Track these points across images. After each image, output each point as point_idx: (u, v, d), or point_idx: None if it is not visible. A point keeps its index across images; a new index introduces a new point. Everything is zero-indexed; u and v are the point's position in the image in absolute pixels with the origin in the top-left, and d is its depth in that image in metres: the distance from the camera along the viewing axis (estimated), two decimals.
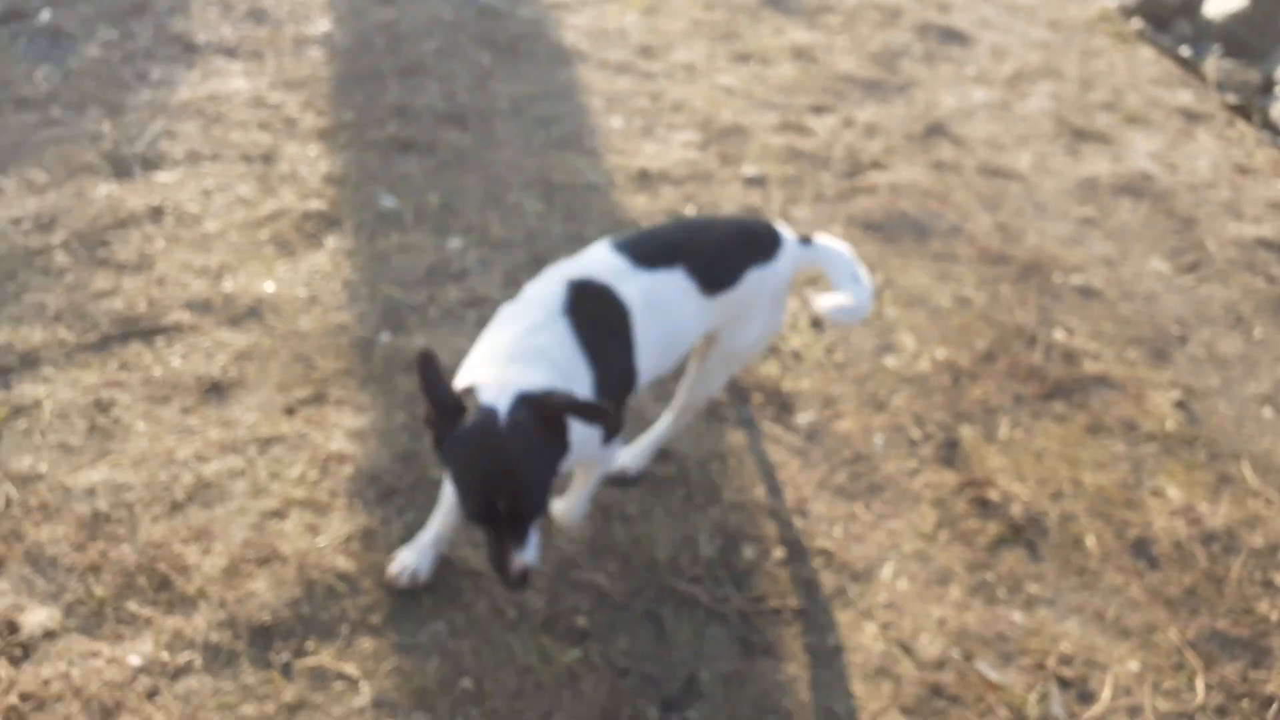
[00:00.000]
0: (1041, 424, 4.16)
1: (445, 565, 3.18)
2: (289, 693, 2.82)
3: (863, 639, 3.20)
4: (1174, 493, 3.88)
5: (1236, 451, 4.15)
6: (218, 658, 2.87)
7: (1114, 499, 3.82)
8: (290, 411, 3.63)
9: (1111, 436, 4.15)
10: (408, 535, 3.25)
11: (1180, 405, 4.37)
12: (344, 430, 3.58)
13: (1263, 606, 3.43)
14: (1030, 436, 4.07)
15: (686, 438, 3.78)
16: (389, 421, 3.65)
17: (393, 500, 3.36)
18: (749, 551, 3.45)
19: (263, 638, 2.93)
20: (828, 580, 3.38)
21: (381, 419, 3.65)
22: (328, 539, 3.19)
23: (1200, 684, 3.17)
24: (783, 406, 4.03)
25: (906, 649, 3.18)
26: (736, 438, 3.86)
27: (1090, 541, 3.63)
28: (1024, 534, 3.62)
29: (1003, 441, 4.02)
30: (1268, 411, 4.39)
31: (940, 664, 3.14)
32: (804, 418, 4.01)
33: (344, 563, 3.14)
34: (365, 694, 2.85)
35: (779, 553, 3.46)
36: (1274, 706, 3.12)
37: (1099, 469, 3.96)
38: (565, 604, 3.16)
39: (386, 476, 3.44)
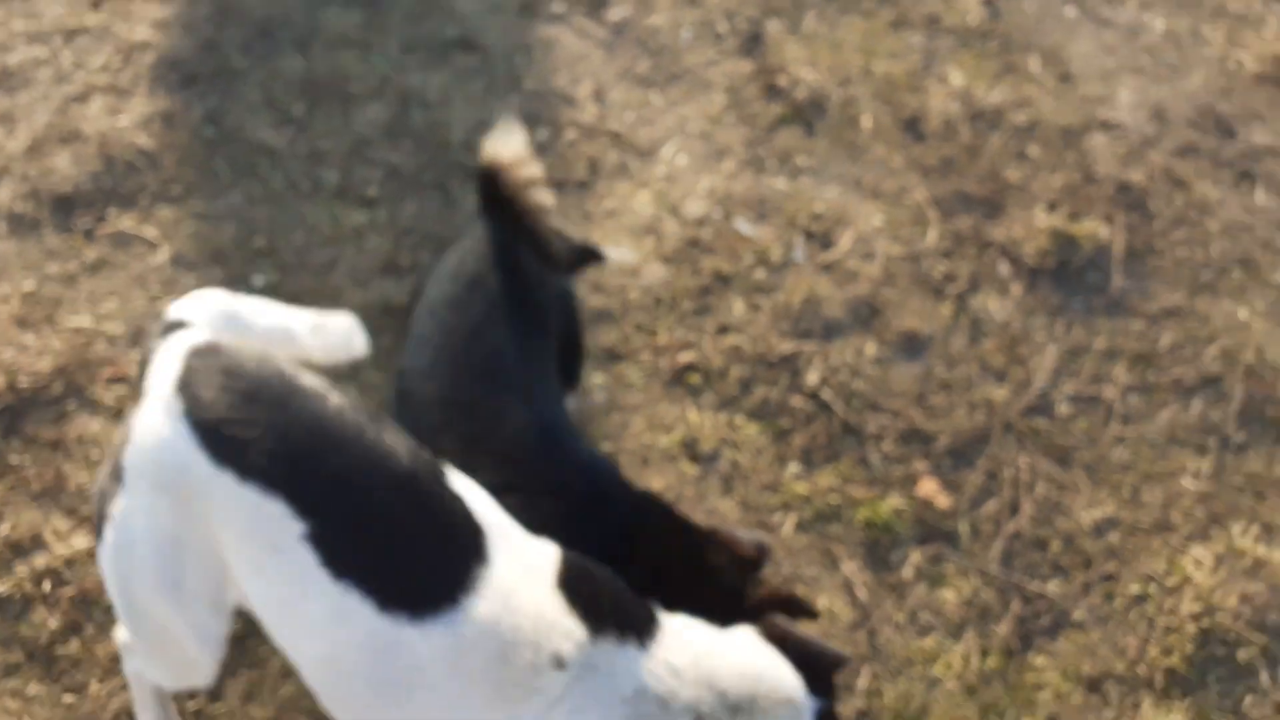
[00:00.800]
0: (847, 18, 4.25)
1: (240, 144, 3.35)
2: (91, 253, 3.06)
3: (635, 204, 3.46)
4: (957, 79, 4.07)
5: (1029, 44, 4.30)
6: (22, 224, 3.08)
7: (899, 84, 4.00)
8: (96, 5, 3.65)
9: (913, 29, 4.27)
10: (208, 118, 3.39)
11: (987, 2, 4.46)
12: (149, 20, 3.63)
13: (1009, 173, 3.72)
14: (833, 30, 4.18)
15: (494, 30, 3.86)
16: (193, 12, 3.68)
17: (195, 86, 3.47)
18: (542, 134, 3.63)
19: (64, 207, 3.14)
20: (612, 158, 3.60)
21: (186, 9, 3.68)
22: (129, 119, 3.33)
23: (933, 233, 3.50)
24: (595, 1, 4.08)
25: (674, 211, 3.46)
26: (545, 30, 3.95)
27: (866, 121, 3.84)
28: (804, 114, 3.83)
29: (806, 34, 4.13)
30: (1070, 10, 4.50)
31: (701, 222, 3.43)
32: (617, 13, 4.07)
33: (145, 141, 3.30)
34: (164, 253, 3.10)
35: (570, 134, 3.64)
36: (991, 249, 3.48)
37: (892, 58, 4.11)
38: (357, 177, 3.37)
39: (189, 63, 3.53)
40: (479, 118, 3.61)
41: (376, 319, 3.08)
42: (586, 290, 3.22)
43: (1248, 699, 2.68)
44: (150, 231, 3.12)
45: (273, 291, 3.09)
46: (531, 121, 3.63)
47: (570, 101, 3.75)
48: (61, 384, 2.87)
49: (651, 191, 3.51)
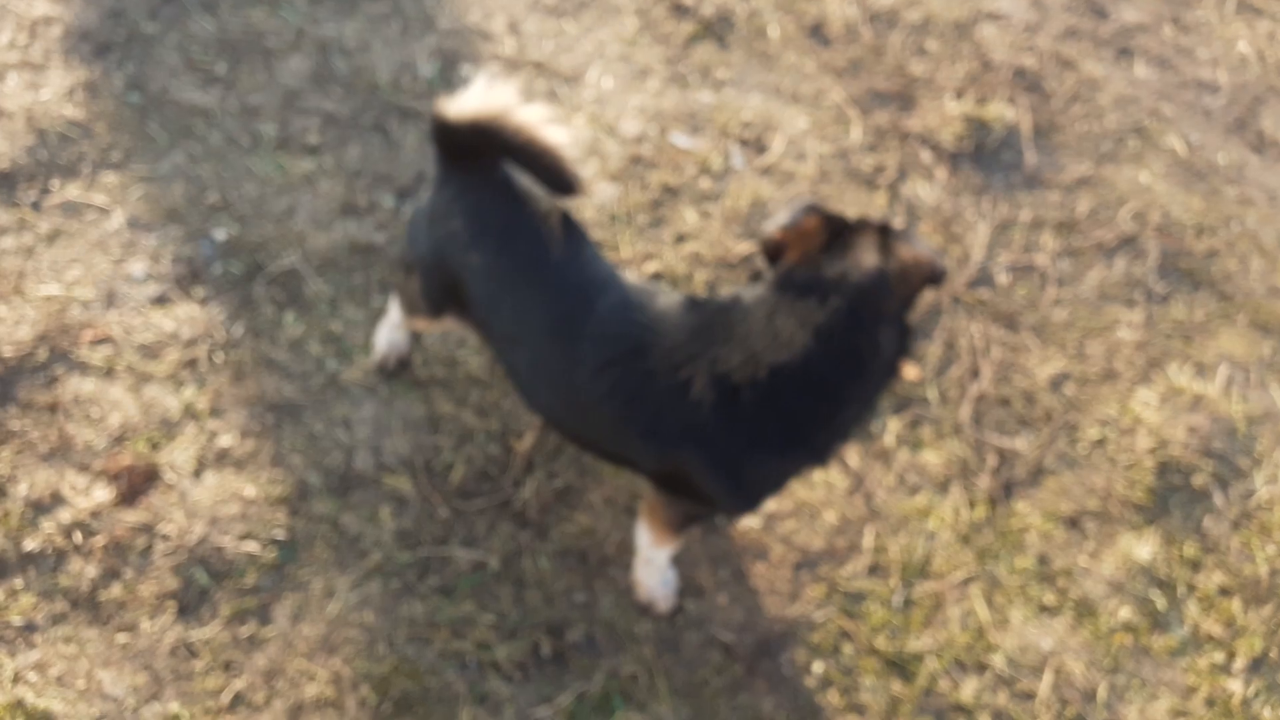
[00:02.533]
0: None
1: (170, 106, 3.11)
2: (44, 225, 2.82)
3: (571, 128, 3.34)
4: None
5: None
6: None
7: None
8: None
9: None
10: (131, 85, 3.14)
11: None
12: None
13: (914, 68, 3.72)
14: None
15: None
16: None
17: (110, 54, 3.21)
18: (466, 69, 3.47)
19: (6, 183, 2.88)
20: (540, 86, 3.47)
21: None
22: (51, 93, 3.06)
23: (856, 130, 3.49)
24: None
25: (610, 131, 3.35)
26: None
27: (773, 31, 3.79)
28: (714, 30, 3.75)
29: None
30: None
31: (640, 139, 3.34)
32: None
33: (72, 111, 3.04)
34: (118, 217, 2.87)
35: (494, 68, 3.49)
36: (911, 139, 3.48)
37: None
38: (295, 127, 3.17)
39: (98, 33, 3.25)
40: (401, 59, 3.44)
41: (345, 259, 2.92)
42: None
43: (1206, 519, 2.79)
44: (99, 198, 2.88)
45: (236, 244, 2.89)
46: (453, 59, 3.47)
47: (487, 37, 3.60)
48: (45, 350, 2.66)
49: (585, 115, 3.41)
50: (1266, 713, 2.52)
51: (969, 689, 2.44)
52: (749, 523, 2.64)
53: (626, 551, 2.54)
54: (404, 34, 3.54)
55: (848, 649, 2.47)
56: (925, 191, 3.37)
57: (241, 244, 2.89)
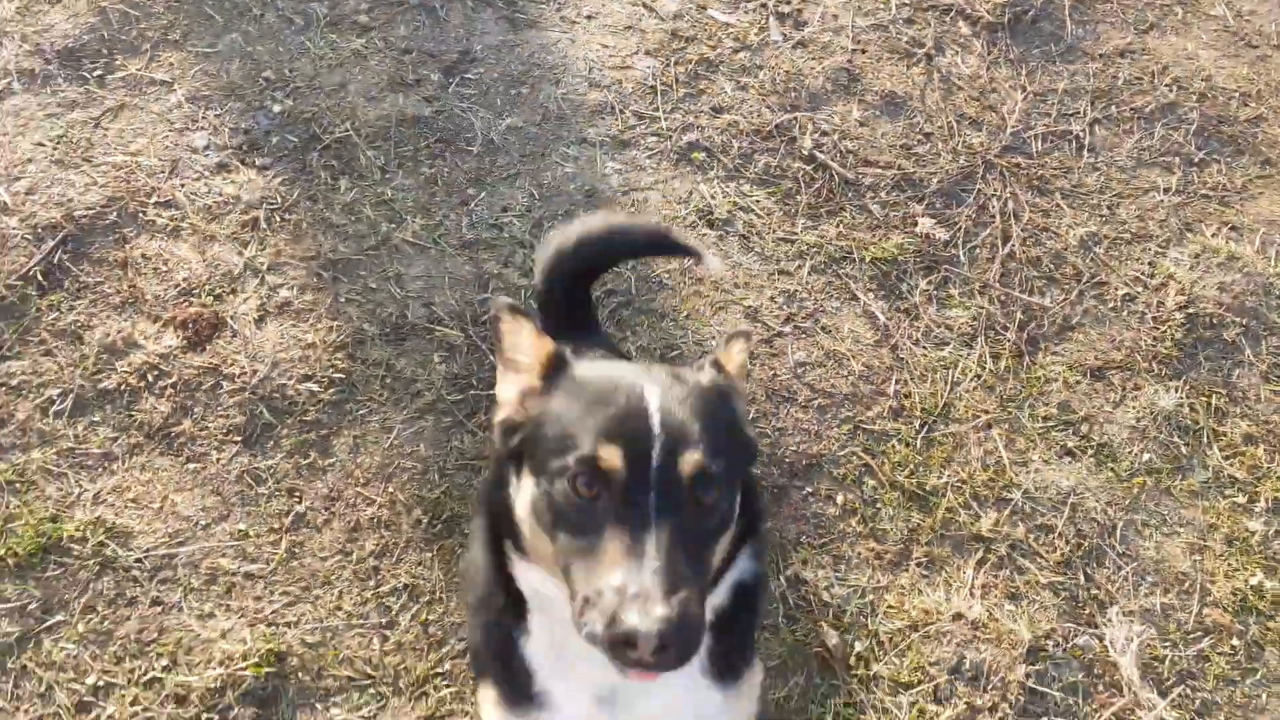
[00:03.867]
0: None
1: None
2: (109, 99, 2.95)
3: (613, 5, 3.37)
4: None
5: None
6: (34, 79, 2.95)
7: None
8: None
9: None
10: None
11: None
12: None
13: None
14: None
15: None
16: None
17: None
18: None
19: (71, 59, 3.01)
20: None
21: None
22: None
23: (894, 2, 3.46)
24: None
25: (649, 8, 3.38)
26: None
27: None
28: None
29: None
30: None
31: (678, 15, 3.36)
32: None
33: None
34: (179, 92, 2.99)
35: None
36: (950, 12, 3.45)
37: None
38: (346, 6, 3.25)
39: None
40: None
41: (395, 131, 3.01)
42: (585, 87, 3.17)
43: (1235, 371, 2.78)
44: (160, 74, 3.01)
45: (291, 116, 3.00)
46: None
47: None
48: (115, 212, 2.80)
49: None
50: None
51: (987, 521, 2.50)
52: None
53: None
54: None
55: (870, 482, 2.54)
56: (962, 62, 3.34)
57: (297, 116, 2.99)
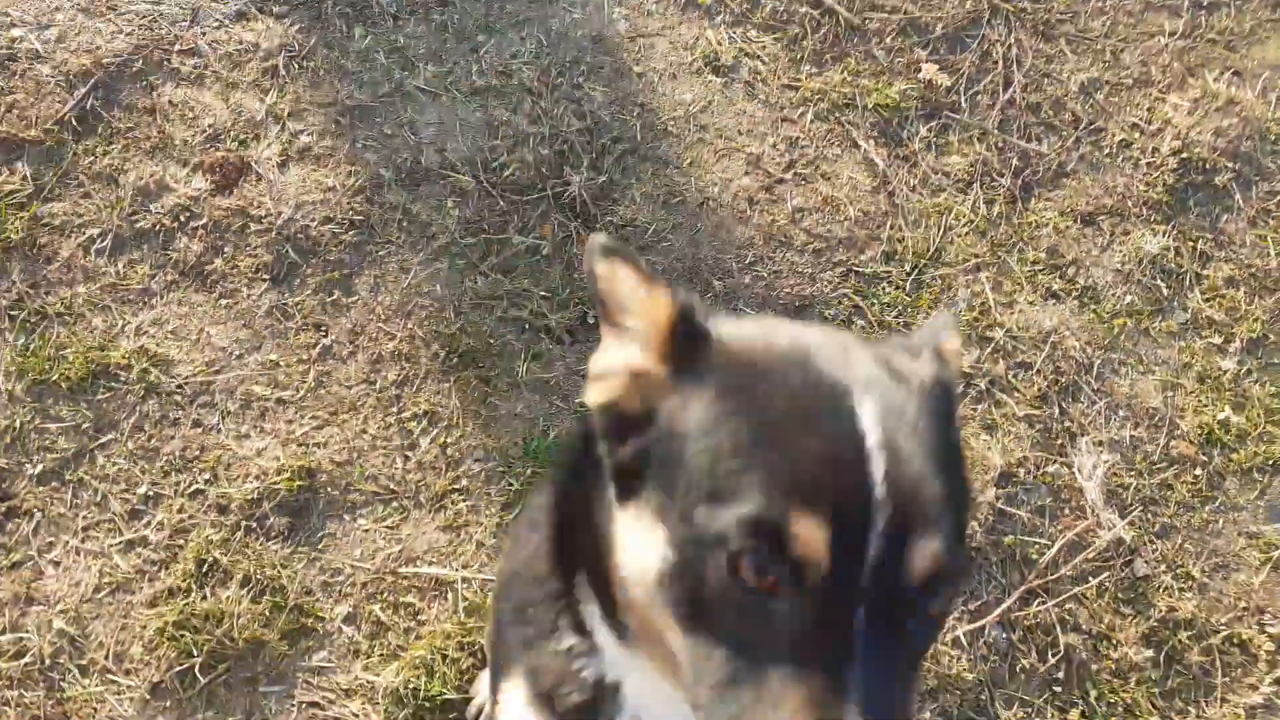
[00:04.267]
0: None
1: None
2: None
3: None
4: None
5: None
6: None
7: None
8: None
9: None
10: None
11: None
12: None
13: None
14: None
15: None
16: None
17: None
18: None
19: None
20: None
21: None
22: None
23: None
24: None
25: None
26: None
27: None
28: None
29: None
30: None
31: None
32: None
33: None
34: None
35: None
36: None
37: None
38: None
39: None
40: None
41: None
42: None
43: (1224, 216, 2.85)
44: None
45: None
46: None
47: None
48: (141, 60, 2.90)
49: None
50: (1256, 390, 2.66)
51: (969, 358, 2.64)
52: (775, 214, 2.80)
53: (661, 237, 2.75)
54: None
55: (859, 322, 2.67)
56: None
57: None
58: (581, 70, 2.95)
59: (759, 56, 3.02)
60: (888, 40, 3.07)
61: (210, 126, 2.83)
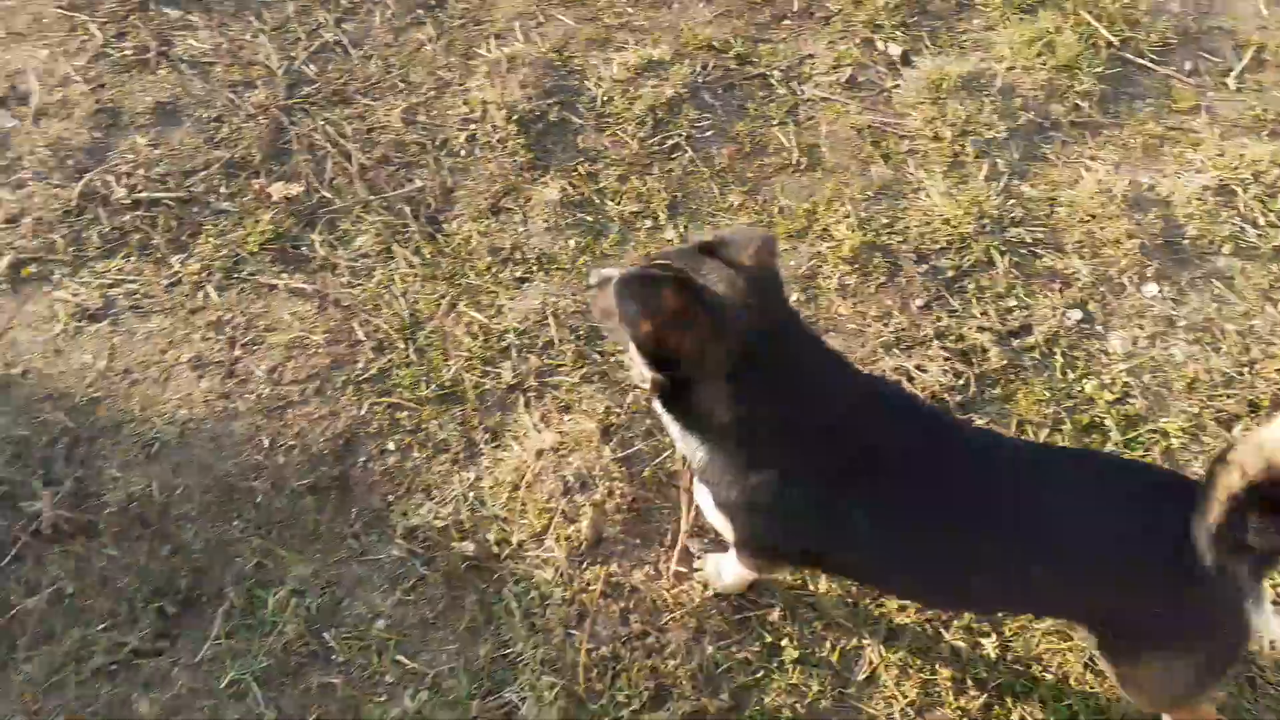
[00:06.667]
0: None
1: None
2: None
3: None
4: None
5: None
6: None
7: None
8: None
9: None
10: None
11: None
12: None
13: None
14: None
15: None
16: None
17: None
18: None
19: None
20: None
21: None
22: None
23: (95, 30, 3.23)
24: None
25: None
26: None
27: None
28: None
29: None
30: None
31: None
32: None
33: None
34: None
35: None
36: (137, 10, 3.30)
37: None
38: None
39: None
40: None
41: None
42: None
43: (577, 140, 3.13)
44: None
45: None
46: None
47: None
48: None
49: None
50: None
51: (507, 373, 2.66)
52: None
53: (171, 484, 2.42)
54: None
55: (402, 416, 2.57)
56: (195, 41, 3.27)
57: None
58: None
59: (123, 280, 2.78)
60: (222, 190, 2.97)
61: None
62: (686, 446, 1.80)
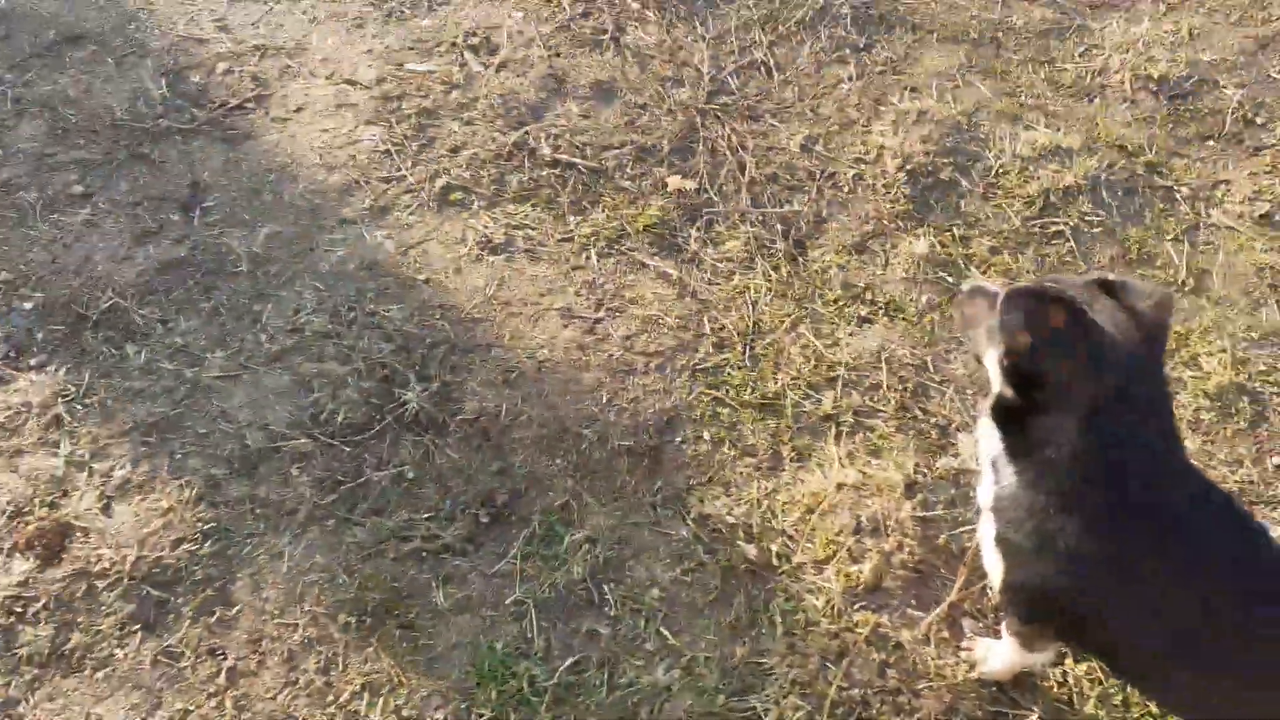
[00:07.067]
0: None
1: None
2: None
3: (315, 93, 3.40)
4: None
5: None
6: None
7: None
8: None
9: None
10: None
11: None
12: None
13: None
14: None
15: (91, 12, 3.60)
16: None
17: None
18: (195, 76, 3.46)
19: None
20: (270, 66, 3.49)
21: None
22: None
23: (565, 1, 3.65)
24: None
25: (351, 83, 3.43)
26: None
27: None
28: None
29: None
30: None
31: (381, 80, 3.43)
32: None
33: None
34: None
35: (221, 66, 3.50)
36: None
37: None
38: (56, 185, 3.12)
39: None
40: (129, 90, 3.41)
41: (158, 281, 2.95)
42: (323, 173, 3.19)
43: (961, 202, 3.16)
44: None
45: (47, 306, 2.87)
46: (177, 72, 3.46)
47: (201, 41, 3.60)
48: None
49: (321, 77, 3.47)
50: None
51: (828, 402, 2.75)
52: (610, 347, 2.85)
53: (518, 413, 2.72)
54: (120, 67, 3.50)
55: (723, 410, 2.74)
56: (644, 34, 3.59)
57: (53, 304, 2.87)
58: (369, 298, 2.92)
59: (526, 225, 3.10)
60: (628, 170, 3.24)
61: (9, 504, 2.56)
62: (996, 470, 1.74)
